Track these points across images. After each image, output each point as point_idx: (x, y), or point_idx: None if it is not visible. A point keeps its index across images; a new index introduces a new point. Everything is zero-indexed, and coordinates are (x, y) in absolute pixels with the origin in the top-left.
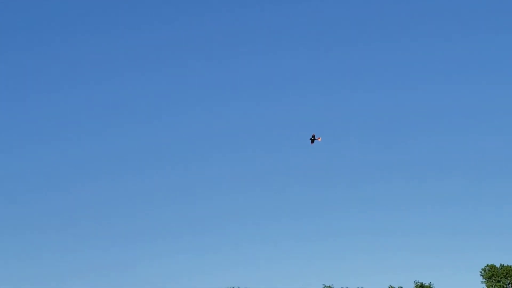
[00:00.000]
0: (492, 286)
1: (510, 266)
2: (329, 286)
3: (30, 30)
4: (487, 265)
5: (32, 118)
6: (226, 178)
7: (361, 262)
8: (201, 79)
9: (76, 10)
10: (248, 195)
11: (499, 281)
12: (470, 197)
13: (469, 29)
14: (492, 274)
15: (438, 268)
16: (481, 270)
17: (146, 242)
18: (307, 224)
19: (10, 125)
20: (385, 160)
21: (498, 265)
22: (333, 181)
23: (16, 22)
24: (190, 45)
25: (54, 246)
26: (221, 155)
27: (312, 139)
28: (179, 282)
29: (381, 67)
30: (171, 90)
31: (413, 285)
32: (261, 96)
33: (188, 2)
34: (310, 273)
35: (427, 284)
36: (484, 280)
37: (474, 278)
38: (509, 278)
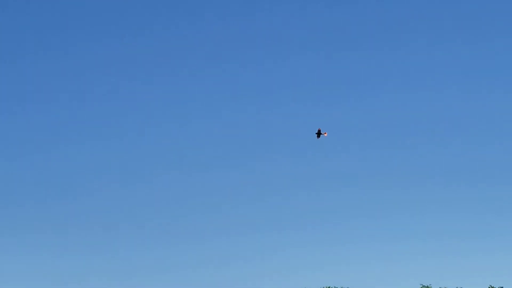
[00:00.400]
0: None
1: None
2: (427, 286)
3: (31, 31)
4: None
5: (33, 120)
6: (317, 176)
7: (460, 262)
8: (202, 82)
9: (77, 12)
10: (337, 194)
11: None
12: None
13: (473, 32)
14: None
15: None
16: None
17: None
18: (403, 224)
19: (10, 126)
20: (458, 163)
21: None
22: (421, 182)
23: (18, 23)
24: (191, 47)
25: (55, 248)
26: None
27: (318, 134)
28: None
29: (382, 70)
30: (172, 93)
31: None
32: (263, 99)
33: (189, 4)
34: (407, 273)
35: None
36: None
37: None
38: None
